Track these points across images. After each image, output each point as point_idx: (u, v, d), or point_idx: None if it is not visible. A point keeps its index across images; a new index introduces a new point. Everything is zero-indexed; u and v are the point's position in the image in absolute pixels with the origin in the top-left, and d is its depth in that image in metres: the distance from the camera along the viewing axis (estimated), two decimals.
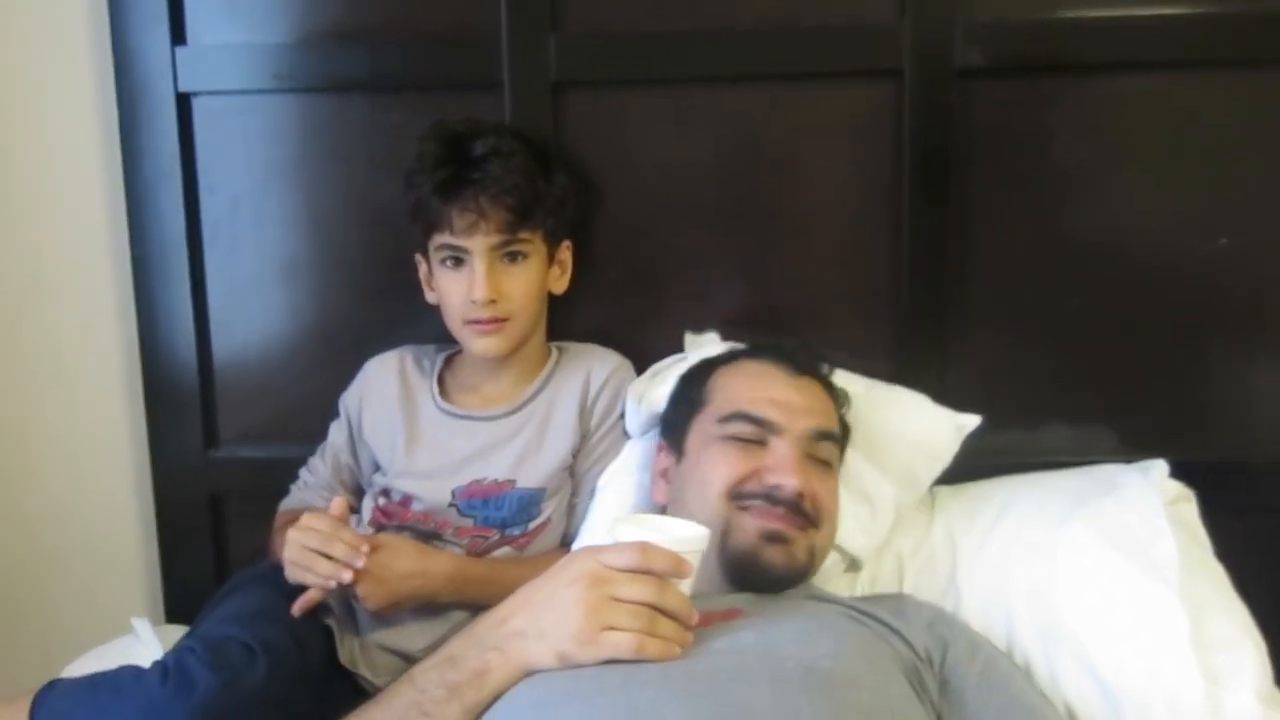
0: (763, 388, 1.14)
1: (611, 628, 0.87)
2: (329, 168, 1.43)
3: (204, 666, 0.96)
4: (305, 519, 1.12)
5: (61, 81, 1.47)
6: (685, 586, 0.93)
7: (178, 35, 1.39)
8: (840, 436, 1.15)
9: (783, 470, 1.06)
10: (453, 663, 0.92)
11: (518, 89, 1.36)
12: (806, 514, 1.07)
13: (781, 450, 1.08)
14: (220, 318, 1.46)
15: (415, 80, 1.40)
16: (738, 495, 1.07)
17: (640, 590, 0.88)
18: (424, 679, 0.92)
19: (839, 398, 1.20)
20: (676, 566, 0.90)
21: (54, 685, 1.02)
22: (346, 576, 1.09)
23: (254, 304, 1.46)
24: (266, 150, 1.43)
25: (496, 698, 0.89)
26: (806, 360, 1.19)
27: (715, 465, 1.10)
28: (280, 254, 1.45)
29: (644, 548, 0.90)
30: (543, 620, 0.90)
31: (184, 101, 1.41)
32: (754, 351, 1.21)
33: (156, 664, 1.00)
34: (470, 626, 0.96)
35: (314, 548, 1.09)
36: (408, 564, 1.15)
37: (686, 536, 0.95)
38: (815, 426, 1.10)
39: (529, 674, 0.90)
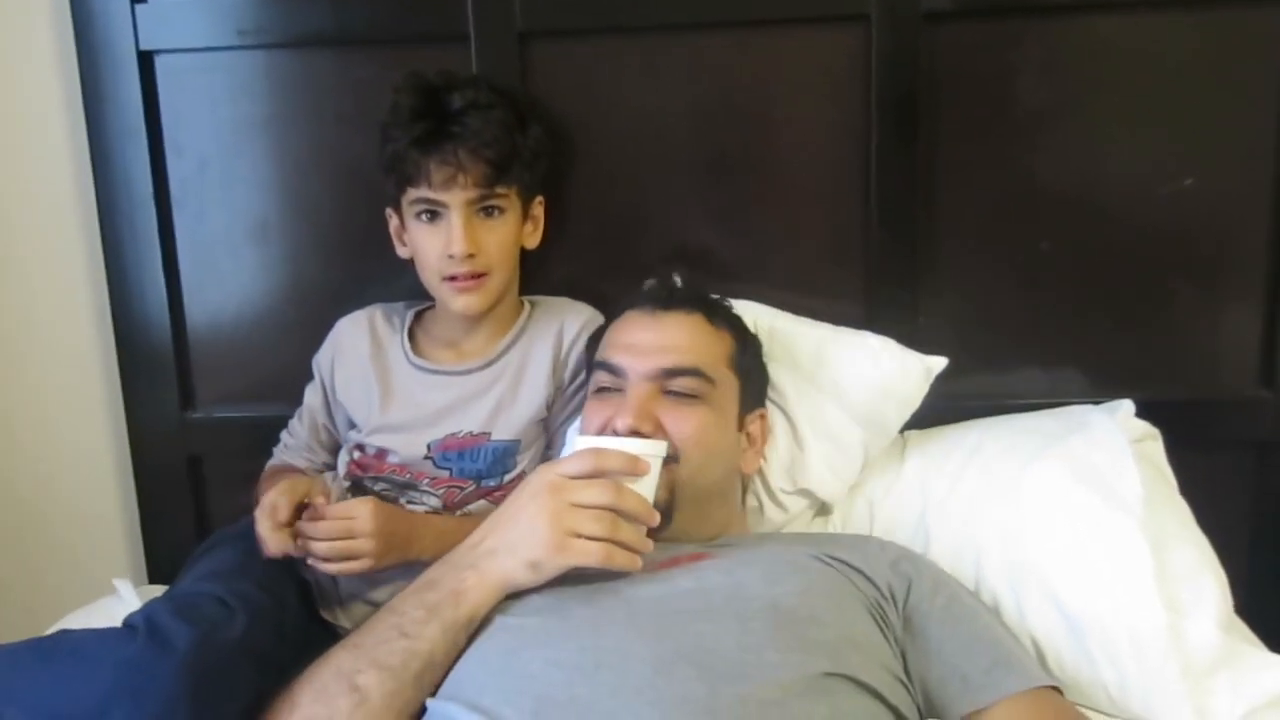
0: (620, 334, 1.16)
1: (577, 534, 0.90)
2: (297, 125, 1.42)
3: (180, 621, 0.93)
4: (271, 496, 1.12)
5: (21, 43, 1.45)
6: (646, 494, 0.96)
7: None
8: (712, 367, 1.12)
9: (620, 412, 1.07)
10: (430, 585, 0.94)
11: (483, 40, 1.35)
12: None
13: (626, 393, 1.09)
14: (192, 280, 1.46)
15: (381, 34, 1.39)
16: None
17: (597, 494, 0.92)
18: (403, 604, 0.95)
19: (725, 323, 1.18)
20: (631, 465, 0.93)
21: None
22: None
23: (226, 265, 1.46)
24: (233, 109, 1.42)
25: (473, 617, 0.92)
26: (672, 295, 1.18)
27: (585, 419, 1.13)
28: (250, 214, 1.44)
29: (596, 451, 0.94)
30: (511, 535, 0.94)
31: (146, 60, 1.39)
32: (631, 298, 1.20)
33: (124, 624, 0.96)
34: (448, 555, 0.98)
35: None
36: (405, 525, 1.17)
37: (638, 449, 0.98)
38: (665, 364, 1.10)
39: (506, 589, 0.93)
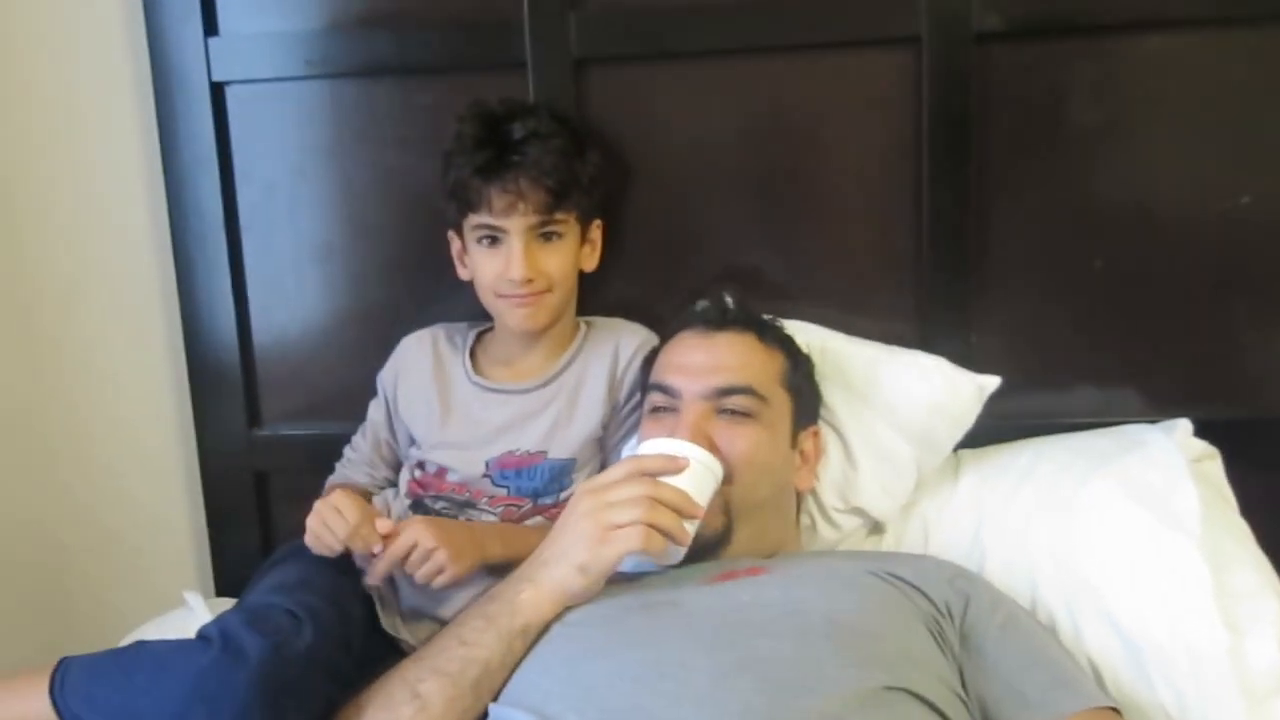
0: (673, 355, 1.18)
1: (616, 526, 0.94)
2: (360, 151, 1.46)
3: (252, 633, 0.96)
4: (336, 497, 1.17)
5: (99, 77, 1.51)
6: (698, 496, 0.99)
7: (210, 26, 1.43)
8: (764, 385, 1.14)
9: (675, 432, 1.08)
10: (491, 598, 0.99)
11: (540, 68, 1.38)
12: None
13: (681, 412, 1.11)
14: (259, 301, 1.50)
15: (441, 63, 1.42)
16: None
17: (632, 487, 0.95)
18: (465, 616, 0.99)
19: (777, 342, 1.20)
20: (668, 464, 0.96)
21: (69, 665, 0.99)
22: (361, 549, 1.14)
23: (292, 287, 1.50)
24: (299, 136, 1.46)
25: (528, 627, 0.95)
26: (724, 315, 1.20)
27: (642, 440, 1.15)
28: (315, 237, 1.49)
29: (634, 457, 0.98)
30: (561, 544, 0.98)
31: (218, 91, 1.44)
32: (682, 318, 1.23)
33: (199, 635, 0.99)
34: (513, 571, 1.02)
35: (335, 531, 1.15)
36: (463, 532, 1.20)
37: (696, 455, 1.01)
38: (718, 384, 1.11)
39: (562, 598, 0.96)
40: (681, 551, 0.98)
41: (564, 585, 0.96)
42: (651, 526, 0.94)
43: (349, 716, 0.97)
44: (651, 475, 0.97)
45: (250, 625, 0.98)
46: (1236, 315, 1.35)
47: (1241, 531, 1.18)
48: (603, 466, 1.32)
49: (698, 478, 1.01)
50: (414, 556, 1.14)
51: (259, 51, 1.44)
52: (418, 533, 1.15)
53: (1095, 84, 1.33)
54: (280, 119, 1.46)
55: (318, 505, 1.17)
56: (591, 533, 0.95)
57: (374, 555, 1.16)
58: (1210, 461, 1.27)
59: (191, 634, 1.01)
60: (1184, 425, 1.26)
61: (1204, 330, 1.36)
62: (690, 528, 0.99)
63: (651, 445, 1.04)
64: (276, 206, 1.48)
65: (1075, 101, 1.33)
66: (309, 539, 1.17)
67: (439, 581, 1.15)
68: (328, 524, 1.15)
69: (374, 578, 1.17)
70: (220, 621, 1.00)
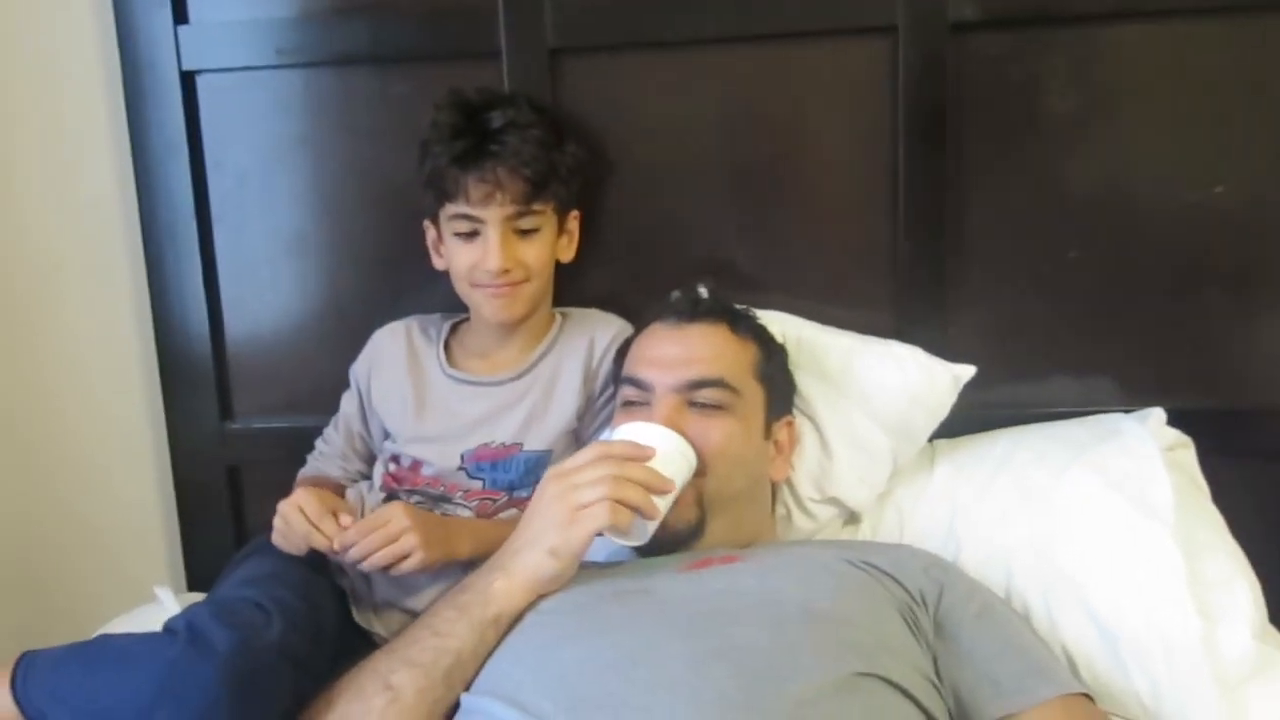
0: (644, 347, 1.17)
1: (582, 506, 0.93)
2: (334, 141, 1.45)
3: (220, 625, 0.95)
4: (297, 494, 1.17)
5: (67, 66, 1.49)
6: (670, 475, 0.99)
7: (180, 14, 1.41)
8: (736, 377, 1.13)
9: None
10: (463, 588, 0.98)
11: (515, 57, 1.37)
12: None
13: (653, 406, 1.10)
14: (231, 293, 1.49)
15: (415, 52, 1.41)
16: None
17: (595, 468, 0.95)
18: (437, 606, 0.98)
19: (749, 333, 1.19)
20: (634, 450, 0.96)
21: (32, 659, 0.98)
22: (322, 544, 1.14)
23: (265, 278, 1.49)
24: (272, 126, 1.45)
25: (500, 616, 0.94)
26: (696, 306, 1.19)
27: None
28: (289, 228, 1.47)
29: (601, 444, 0.98)
30: (531, 530, 0.97)
31: (188, 80, 1.43)
32: (657, 310, 1.22)
33: (166, 628, 0.98)
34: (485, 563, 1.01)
35: (296, 528, 1.14)
36: (439, 524, 1.19)
37: (669, 443, 1.01)
38: (690, 377, 1.11)
39: (535, 585, 0.95)
40: (652, 526, 0.97)
41: (536, 571, 0.95)
42: (618, 502, 0.94)
43: (320, 709, 0.96)
44: (619, 458, 0.97)
45: (218, 618, 0.96)
46: (1209, 305, 1.36)
47: (1214, 520, 1.19)
48: None
49: (670, 461, 1.00)
50: (380, 534, 1.12)
51: (230, 40, 1.42)
52: (393, 512, 1.14)
53: (1070, 74, 1.33)
54: (252, 108, 1.45)
55: (280, 506, 1.17)
56: (559, 516, 0.95)
57: (335, 550, 1.14)
58: (1183, 450, 1.27)
59: (160, 628, 1.00)
60: (1157, 414, 1.27)
61: (1177, 320, 1.37)
62: (662, 504, 0.98)
63: (626, 430, 1.03)
64: (249, 197, 1.47)
65: (1050, 91, 1.34)
66: (276, 539, 1.17)
67: (405, 566, 1.13)
68: (289, 522, 1.15)
69: (340, 548, 1.14)
70: (187, 614, 0.98)
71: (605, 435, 1.24)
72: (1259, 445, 1.38)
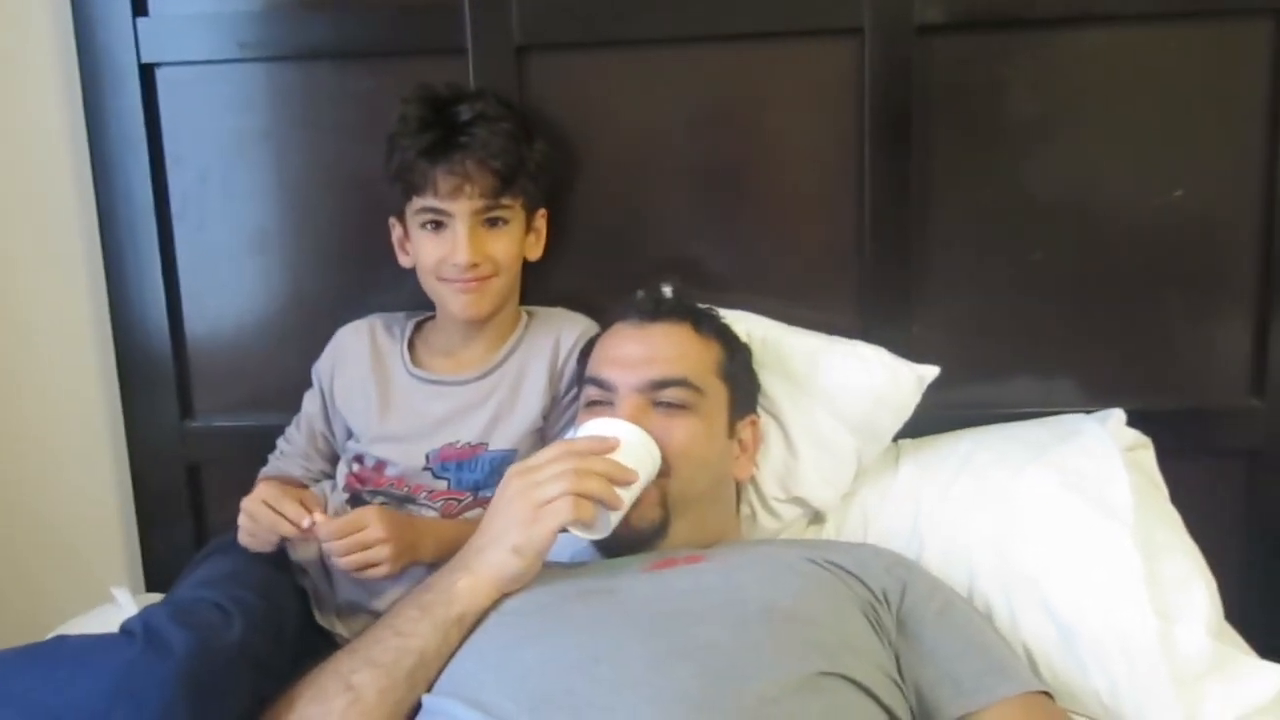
0: (607, 347, 1.17)
1: (544, 502, 0.93)
2: (297, 136, 1.43)
3: (177, 627, 0.93)
4: (260, 489, 1.16)
5: (23, 56, 1.47)
6: (637, 483, 0.98)
7: (139, 6, 1.39)
8: (700, 376, 1.13)
9: None
10: (426, 588, 0.97)
11: (481, 53, 1.36)
12: None
13: (617, 406, 1.10)
14: (192, 289, 1.47)
15: (380, 47, 1.40)
16: None
17: (557, 464, 0.95)
18: (399, 606, 0.97)
19: (713, 332, 1.19)
20: (596, 444, 0.96)
21: None
22: (290, 531, 1.12)
23: (226, 275, 1.47)
24: (234, 120, 1.43)
25: (464, 615, 0.93)
26: (659, 306, 1.19)
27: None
28: (251, 224, 1.45)
29: (565, 441, 0.98)
30: (494, 528, 0.97)
31: (147, 73, 1.41)
32: (620, 310, 1.22)
33: (122, 629, 0.96)
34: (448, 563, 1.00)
35: (261, 521, 1.13)
36: (410, 531, 1.17)
37: (633, 436, 1.01)
38: (653, 376, 1.11)
39: (498, 584, 0.94)
40: (616, 517, 0.97)
41: (500, 570, 0.95)
42: (581, 495, 0.93)
43: (280, 710, 0.94)
44: (581, 453, 0.97)
45: (176, 619, 0.95)
46: (1168, 307, 1.38)
47: (1172, 520, 1.20)
48: None
49: (633, 452, 1.00)
50: (354, 540, 1.11)
51: (190, 33, 1.40)
52: (370, 519, 1.13)
53: (1034, 77, 1.34)
54: (213, 102, 1.43)
55: (243, 503, 1.15)
56: (522, 513, 0.94)
57: (304, 530, 1.13)
58: (1143, 450, 1.29)
59: (117, 629, 0.98)
60: (1118, 415, 1.28)
61: (1137, 322, 1.38)
62: (626, 495, 0.98)
63: (591, 426, 1.03)
64: (210, 193, 1.45)
65: (1015, 94, 1.35)
66: (243, 539, 1.15)
67: (370, 573, 1.13)
68: (255, 517, 1.13)
69: (312, 533, 1.13)
70: (145, 615, 0.97)
71: (570, 435, 1.24)
72: (1216, 445, 1.40)
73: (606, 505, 0.95)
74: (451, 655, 0.93)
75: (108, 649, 0.94)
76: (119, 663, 0.91)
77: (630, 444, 1.01)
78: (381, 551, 1.11)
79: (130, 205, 1.43)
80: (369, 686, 0.90)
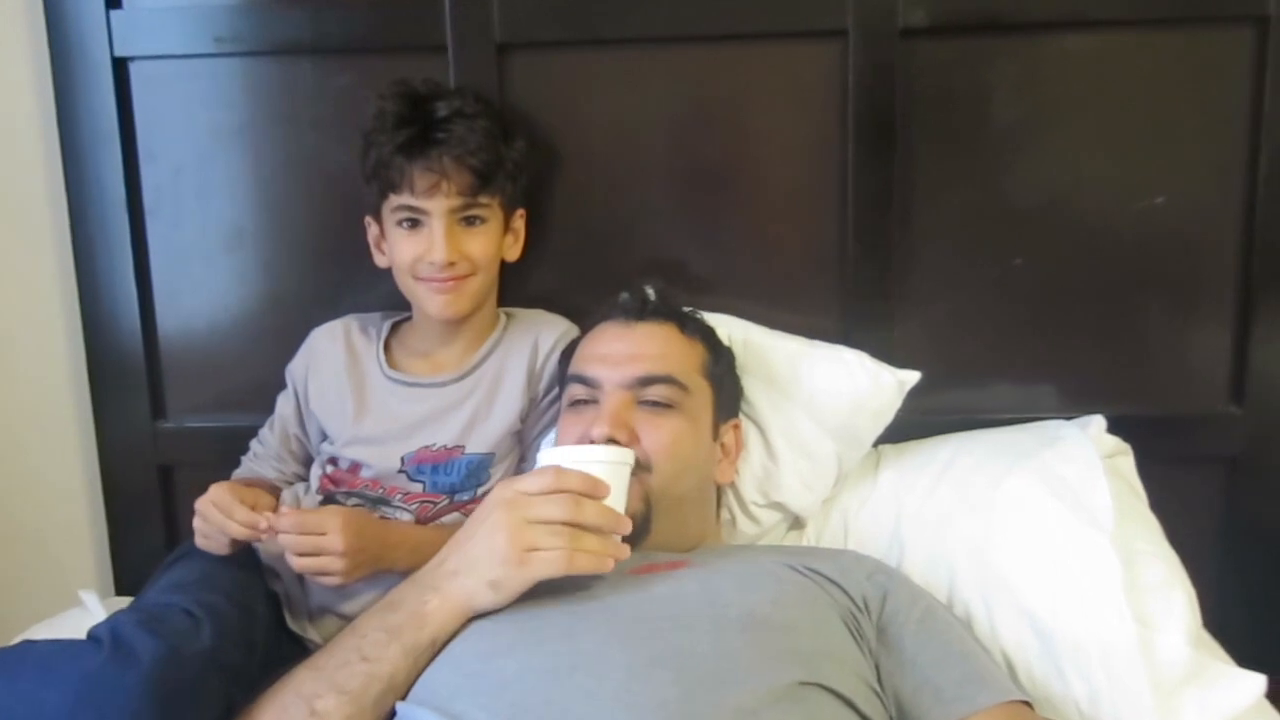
0: (592, 346, 1.16)
1: (535, 548, 0.89)
2: (273, 133, 1.41)
3: (145, 633, 0.91)
4: (210, 492, 1.13)
5: None
6: (616, 503, 0.94)
7: None
8: (686, 375, 1.13)
9: (596, 422, 1.07)
10: (392, 606, 0.93)
11: (461, 51, 1.34)
12: None
13: (601, 403, 1.09)
14: (165, 288, 1.45)
15: (358, 43, 1.38)
16: None
17: (555, 509, 0.90)
18: (365, 625, 0.93)
19: (697, 333, 1.19)
20: (591, 487, 0.92)
21: None
22: (240, 534, 1.10)
23: (200, 273, 1.45)
24: (209, 116, 1.41)
25: (436, 640, 0.90)
26: (644, 306, 1.19)
27: (561, 433, 1.14)
28: (226, 222, 1.43)
29: (557, 470, 0.93)
30: (472, 554, 0.93)
31: (121, 66, 1.38)
32: (605, 310, 1.21)
33: (89, 636, 0.94)
34: (413, 575, 0.97)
35: (212, 521, 1.11)
36: (377, 542, 1.15)
37: (603, 457, 0.97)
38: (639, 373, 1.10)
39: (469, 612, 0.91)
40: (610, 562, 0.92)
41: (472, 600, 0.92)
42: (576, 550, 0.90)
43: None
44: (575, 495, 0.92)
45: (143, 625, 0.93)
46: (1150, 313, 1.38)
47: (1152, 526, 1.20)
48: (521, 460, 1.30)
49: (615, 478, 0.97)
50: (309, 542, 1.09)
51: (165, 26, 1.38)
52: (332, 526, 1.10)
53: (1017, 82, 1.34)
54: (188, 98, 1.41)
55: (196, 505, 1.13)
56: (507, 551, 0.90)
57: (259, 533, 1.11)
58: (1123, 457, 1.29)
59: (84, 635, 0.96)
60: (1098, 421, 1.28)
61: (1118, 328, 1.38)
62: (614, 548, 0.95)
63: (555, 455, 0.98)
64: (184, 189, 1.42)
65: (997, 98, 1.35)
66: (199, 542, 1.14)
67: (321, 580, 1.11)
68: (205, 518, 1.12)
69: (270, 531, 1.11)
70: (111, 622, 0.95)
71: (548, 441, 1.23)
72: (1196, 452, 1.40)
73: (598, 567, 0.91)
74: (422, 671, 0.90)
75: (73, 657, 0.92)
76: (84, 671, 0.89)
77: (608, 467, 0.97)
78: (334, 563, 1.09)
79: (102, 202, 1.41)
80: (334, 713, 0.87)
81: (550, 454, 0.99)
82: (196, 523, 1.13)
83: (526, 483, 0.94)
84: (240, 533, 1.10)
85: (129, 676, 0.88)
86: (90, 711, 0.87)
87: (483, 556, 0.92)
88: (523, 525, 0.91)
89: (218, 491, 1.13)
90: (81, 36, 1.37)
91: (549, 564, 0.89)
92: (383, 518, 1.23)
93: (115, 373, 1.45)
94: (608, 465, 0.96)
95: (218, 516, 1.11)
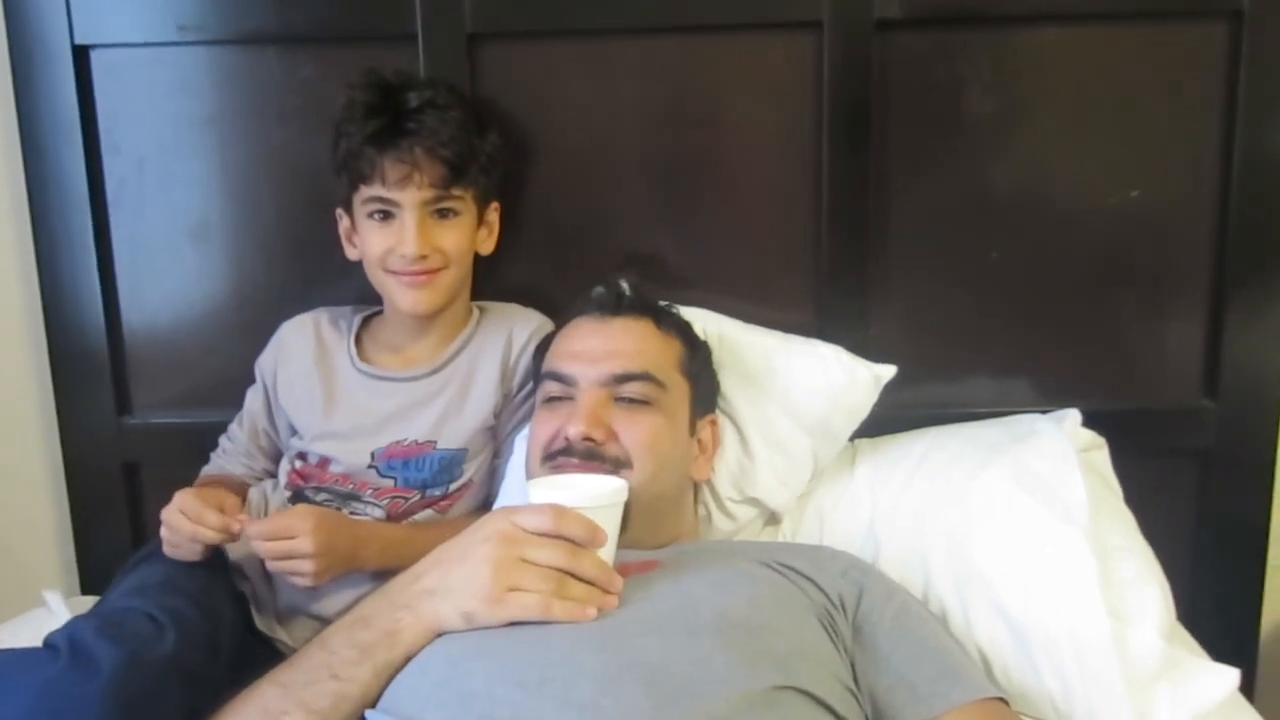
0: (567, 342, 1.15)
1: (517, 588, 0.87)
2: (239, 124, 1.39)
3: (105, 641, 0.89)
4: (177, 499, 1.12)
5: None
6: (609, 548, 0.92)
7: None
8: (663, 372, 1.11)
9: (572, 419, 1.05)
10: (364, 623, 0.90)
11: (432, 41, 1.32)
12: (606, 457, 1.05)
13: (577, 400, 1.08)
14: (129, 281, 1.42)
15: (326, 32, 1.36)
16: (549, 455, 1.07)
17: (551, 555, 0.88)
18: (335, 640, 0.90)
19: (674, 328, 1.17)
20: (591, 535, 0.89)
21: None
22: (215, 539, 1.09)
23: (165, 266, 1.42)
24: (173, 106, 1.38)
25: (408, 656, 0.88)
26: (620, 301, 1.17)
27: (534, 430, 1.12)
28: (190, 214, 1.41)
29: (559, 512, 0.89)
30: (452, 578, 0.90)
31: (81, 54, 1.36)
32: (580, 305, 1.19)
33: (46, 644, 0.92)
34: (384, 586, 0.94)
35: (181, 531, 1.09)
36: (348, 542, 1.13)
37: (601, 492, 0.94)
38: (615, 370, 1.09)
39: (438, 632, 0.89)
40: (591, 611, 0.88)
41: (444, 623, 0.89)
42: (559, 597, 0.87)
43: None
44: (572, 546, 0.89)
45: (102, 633, 0.90)
46: (1124, 308, 1.38)
47: (1126, 521, 1.21)
48: (495, 456, 1.29)
49: (611, 520, 0.94)
50: (281, 546, 1.08)
51: (127, 13, 1.35)
52: (303, 529, 1.08)
53: (992, 74, 1.33)
54: (151, 87, 1.38)
55: (162, 515, 1.12)
56: (487, 586, 0.87)
57: (234, 535, 1.10)
58: (1098, 451, 1.29)
59: (47, 635, 0.93)
60: (1073, 415, 1.28)
61: (1093, 322, 1.38)
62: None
63: (553, 491, 0.94)
64: (147, 181, 1.40)
65: (972, 91, 1.34)
66: (168, 550, 1.12)
67: (292, 580, 1.10)
68: (173, 527, 1.10)
69: (239, 534, 1.10)
70: (70, 629, 0.92)
71: (522, 437, 1.21)
72: (1170, 446, 1.41)
73: (574, 619, 0.87)
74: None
75: (30, 665, 0.89)
76: (41, 681, 0.86)
77: (607, 508, 0.94)
78: (304, 565, 1.08)
79: (64, 193, 1.38)
80: None
81: (547, 488, 0.96)
82: (164, 533, 1.11)
83: (525, 519, 0.90)
84: (214, 538, 1.09)
85: (89, 686, 0.86)
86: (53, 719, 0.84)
87: (461, 585, 0.89)
88: (513, 563, 0.88)
89: (184, 499, 1.11)
90: (41, 24, 1.34)
91: (525, 609, 0.86)
92: (354, 515, 1.22)
93: (79, 368, 1.43)
94: (606, 510, 0.93)
95: (187, 525, 1.09)
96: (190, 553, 1.10)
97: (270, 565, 1.09)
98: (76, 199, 1.38)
